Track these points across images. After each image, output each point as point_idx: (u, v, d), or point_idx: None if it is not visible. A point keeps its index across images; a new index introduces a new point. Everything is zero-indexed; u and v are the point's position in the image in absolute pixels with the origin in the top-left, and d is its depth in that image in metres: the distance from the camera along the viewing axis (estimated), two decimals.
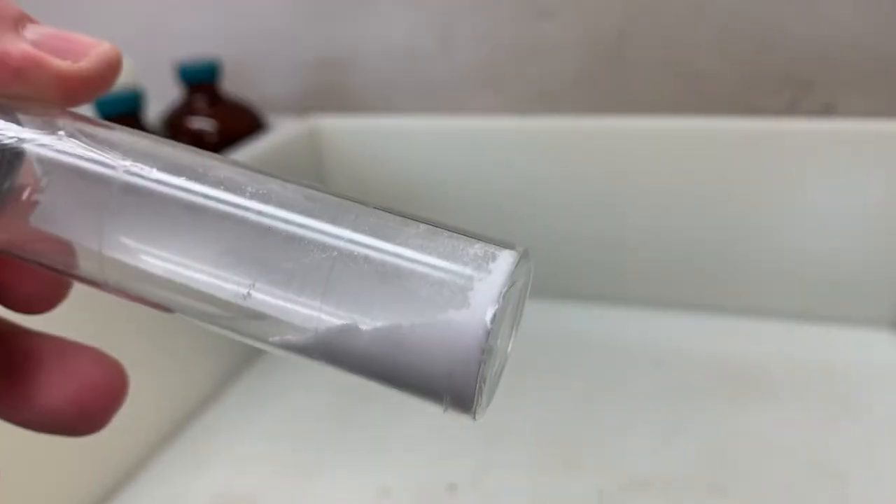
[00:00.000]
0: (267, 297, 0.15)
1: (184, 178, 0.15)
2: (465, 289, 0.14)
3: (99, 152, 0.16)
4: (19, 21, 0.18)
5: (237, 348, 0.57)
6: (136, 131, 0.17)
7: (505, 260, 0.14)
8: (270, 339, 0.16)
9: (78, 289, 0.22)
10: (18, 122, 0.16)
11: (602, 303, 0.62)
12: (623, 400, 0.51)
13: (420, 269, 0.14)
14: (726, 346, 0.56)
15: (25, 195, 0.15)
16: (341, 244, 0.15)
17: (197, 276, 0.15)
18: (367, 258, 0.15)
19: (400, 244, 0.15)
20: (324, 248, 0.15)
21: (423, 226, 0.15)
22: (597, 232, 0.60)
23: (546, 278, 0.63)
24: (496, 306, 0.14)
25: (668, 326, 0.59)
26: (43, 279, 0.22)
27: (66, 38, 0.18)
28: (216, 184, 0.15)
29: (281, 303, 0.15)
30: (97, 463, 0.45)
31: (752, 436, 0.47)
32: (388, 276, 0.14)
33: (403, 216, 0.16)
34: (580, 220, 0.60)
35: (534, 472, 0.45)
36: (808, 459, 0.44)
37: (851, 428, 0.47)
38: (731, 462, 0.45)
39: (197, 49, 0.69)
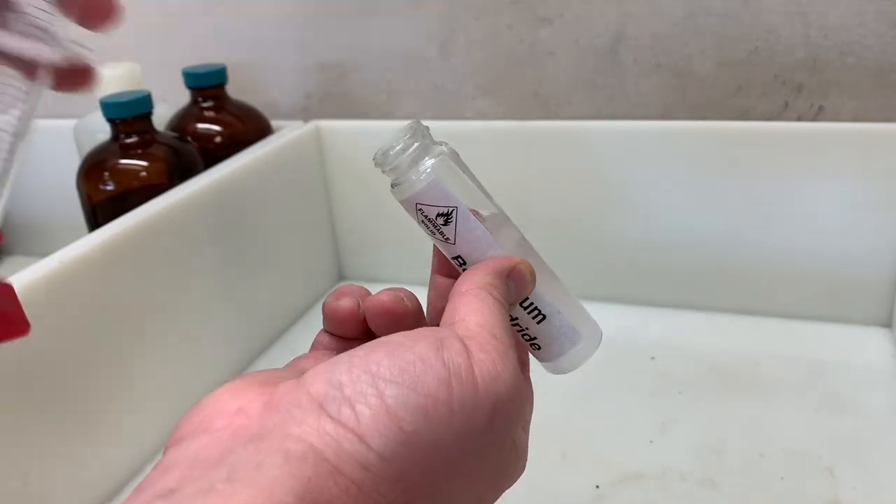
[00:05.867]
0: None
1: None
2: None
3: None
4: None
5: (247, 339, 0.59)
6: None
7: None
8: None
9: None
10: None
11: (598, 301, 0.63)
12: (619, 395, 0.52)
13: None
14: (720, 344, 0.57)
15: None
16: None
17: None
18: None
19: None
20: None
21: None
22: (593, 232, 0.62)
23: None
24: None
25: (663, 324, 0.60)
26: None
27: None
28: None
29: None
30: (108, 456, 0.46)
31: (744, 430, 0.48)
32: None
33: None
34: (577, 222, 0.62)
35: (531, 464, 0.46)
36: (798, 454, 0.45)
37: (841, 424, 0.48)
38: (724, 456, 0.46)
39: (202, 54, 0.71)
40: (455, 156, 0.27)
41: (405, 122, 0.27)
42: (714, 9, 0.56)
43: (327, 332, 0.27)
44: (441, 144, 0.27)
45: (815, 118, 0.57)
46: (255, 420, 0.20)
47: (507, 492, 0.44)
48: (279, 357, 0.60)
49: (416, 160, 0.26)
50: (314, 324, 0.72)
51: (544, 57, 0.61)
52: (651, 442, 0.47)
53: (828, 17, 0.54)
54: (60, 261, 0.43)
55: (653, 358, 0.56)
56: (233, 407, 0.21)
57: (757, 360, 0.55)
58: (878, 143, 0.53)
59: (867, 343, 0.56)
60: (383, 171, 0.27)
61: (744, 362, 0.55)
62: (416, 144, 0.26)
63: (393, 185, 0.27)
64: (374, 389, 0.20)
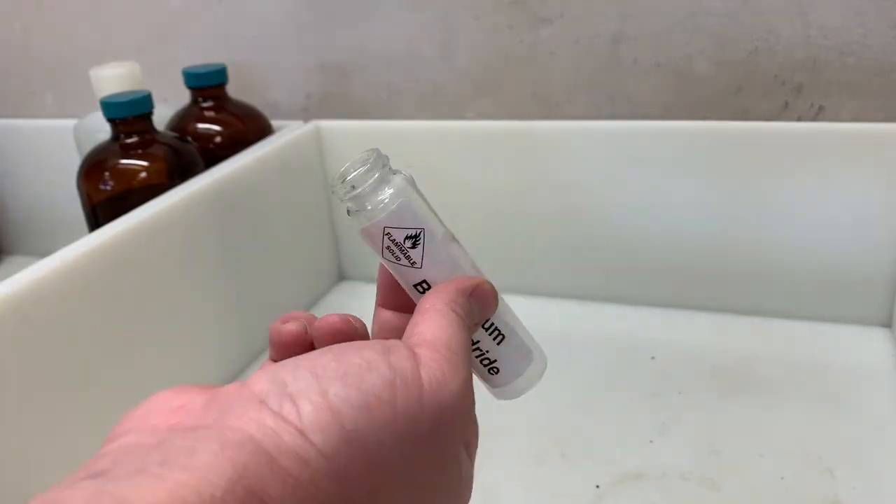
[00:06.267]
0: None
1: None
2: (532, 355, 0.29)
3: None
4: None
5: (247, 339, 0.59)
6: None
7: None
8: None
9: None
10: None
11: (599, 301, 0.64)
12: (619, 395, 0.52)
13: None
14: (720, 344, 0.57)
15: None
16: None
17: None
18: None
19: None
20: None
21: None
22: (593, 232, 0.62)
23: (543, 277, 0.64)
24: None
25: (663, 324, 0.60)
26: None
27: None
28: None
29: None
30: None
31: (744, 431, 0.48)
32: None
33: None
34: (577, 222, 0.62)
35: (532, 463, 0.46)
36: (798, 454, 0.45)
37: (841, 424, 0.48)
38: (724, 456, 0.46)
39: (203, 54, 0.71)
40: (413, 181, 0.27)
41: (363, 151, 0.26)
42: (714, 9, 0.56)
43: (274, 361, 0.27)
44: (399, 172, 0.27)
45: (815, 118, 0.57)
46: (196, 415, 0.20)
47: (507, 491, 0.44)
48: None
49: (379, 186, 0.26)
50: None
51: (544, 57, 0.61)
52: (651, 442, 0.47)
53: (828, 17, 0.54)
54: (61, 261, 0.43)
55: (653, 358, 0.56)
56: (174, 404, 0.21)
57: (757, 360, 0.55)
58: (878, 143, 0.53)
59: (867, 343, 0.56)
60: (341, 199, 0.26)
61: (744, 362, 0.55)
62: (378, 173, 0.26)
63: (351, 212, 0.27)
64: (318, 387, 0.20)
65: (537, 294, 0.64)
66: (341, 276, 0.72)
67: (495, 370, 0.28)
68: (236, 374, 0.58)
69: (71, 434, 0.43)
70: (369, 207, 0.26)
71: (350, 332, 0.25)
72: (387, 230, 0.26)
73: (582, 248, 0.63)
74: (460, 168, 0.63)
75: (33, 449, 0.41)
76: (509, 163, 0.62)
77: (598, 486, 0.44)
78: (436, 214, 0.27)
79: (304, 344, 0.25)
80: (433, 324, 0.24)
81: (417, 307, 0.25)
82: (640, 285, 0.62)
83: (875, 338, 0.56)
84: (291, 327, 0.25)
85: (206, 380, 0.54)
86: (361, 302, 0.67)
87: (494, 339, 0.28)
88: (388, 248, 0.26)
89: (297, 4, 0.67)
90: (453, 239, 0.28)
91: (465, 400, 0.23)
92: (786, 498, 0.42)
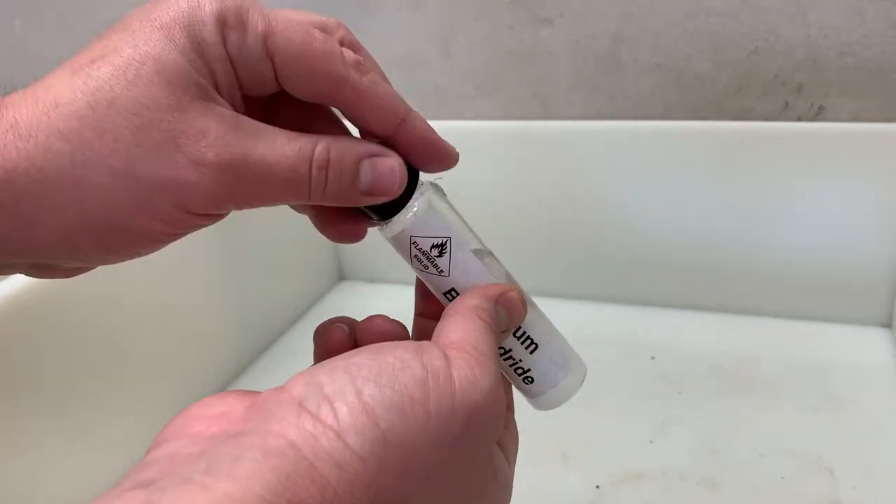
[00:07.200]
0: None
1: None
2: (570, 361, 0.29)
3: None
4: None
5: (247, 339, 0.59)
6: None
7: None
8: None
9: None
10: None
11: (599, 301, 0.64)
12: (619, 395, 0.52)
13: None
14: (720, 344, 0.57)
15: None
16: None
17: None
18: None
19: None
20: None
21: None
22: (592, 232, 0.62)
23: (543, 277, 0.64)
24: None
25: (663, 324, 0.60)
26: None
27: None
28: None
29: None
30: (108, 457, 0.46)
31: (744, 430, 0.48)
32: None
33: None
34: (577, 222, 0.62)
35: (533, 463, 0.46)
36: (798, 454, 0.45)
37: (841, 423, 0.48)
38: (723, 456, 0.46)
39: None
40: (442, 192, 0.28)
41: None
42: (714, 9, 0.56)
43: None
44: (427, 182, 0.28)
45: (815, 118, 0.57)
46: (237, 422, 0.20)
47: None
48: (279, 357, 0.60)
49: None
50: (314, 324, 0.71)
51: (544, 57, 0.61)
52: (651, 442, 0.47)
53: (828, 17, 0.54)
54: None
55: (653, 358, 0.56)
56: (215, 411, 0.21)
57: (757, 360, 0.55)
58: (878, 143, 0.53)
59: (867, 343, 0.56)
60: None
61: (744, 362, 0.55)
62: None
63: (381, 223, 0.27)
64: (353, 388, 0.20)
65: (537, 294, 0.64)
66: (341, 276, 0.72)
67: (530, 379, 0.28)
68: (237, 373, 0.58)
69: (71, 434, 0.43)
70: (402, 215, 0.26)
71: (394, 333, 0.26)
72: (413, 239, 0.26)
73: (582, 248, 0.62)
74: (460, 168, 0.62)
75: (33, 449, 0.41)
76: (509, 163, 0.62)
77: (598, 487, 0.44)
78: (467, 224, 0.28)
79: (348, 346, 0.26)
80: (458, 327, 0.24)
81: (444, 313, 0.26)
82: (641, 285, 0.62)
83: (875, 338, 0.56)
84: (337, 330, 0.26)
85: (206, 379, 0.54)
86: (361, 302, 0.67)
87: (527, 347, 0.28)
88: (415, 256, 0.27)
89: (297, 5, 0.66)
90: (485, 249, 0.28)
91: (496, 400, 0.23)
92: (786, 498, 0.42)
